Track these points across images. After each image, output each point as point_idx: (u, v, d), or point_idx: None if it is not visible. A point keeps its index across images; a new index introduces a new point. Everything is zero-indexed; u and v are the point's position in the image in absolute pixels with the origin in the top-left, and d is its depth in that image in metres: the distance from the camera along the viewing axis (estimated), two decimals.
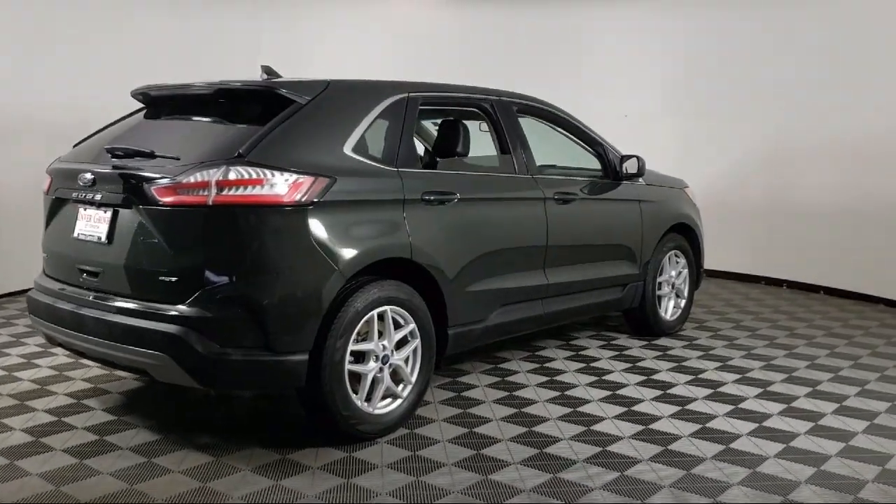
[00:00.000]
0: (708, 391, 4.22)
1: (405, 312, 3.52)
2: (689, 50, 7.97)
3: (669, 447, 3.44)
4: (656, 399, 4.07)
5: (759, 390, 4.25)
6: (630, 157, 4.87)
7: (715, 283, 7.66)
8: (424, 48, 8.32)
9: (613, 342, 5.24)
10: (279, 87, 3.42)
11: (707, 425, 3.71)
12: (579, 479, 3.10)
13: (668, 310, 5.45)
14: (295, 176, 3.13)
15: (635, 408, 3.93)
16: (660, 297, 5.37)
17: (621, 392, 4.17)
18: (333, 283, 3.20)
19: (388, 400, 3.52)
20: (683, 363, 4.75)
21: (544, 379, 4.37)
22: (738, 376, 4.50)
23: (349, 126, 3.45)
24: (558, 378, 4.39)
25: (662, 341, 5.28)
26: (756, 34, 7.55)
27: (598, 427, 3.67)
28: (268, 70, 3.89)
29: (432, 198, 3.67)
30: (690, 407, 3.96)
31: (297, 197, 3.11)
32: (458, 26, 8.57)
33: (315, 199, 3.16)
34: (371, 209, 3.41)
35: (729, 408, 3.96)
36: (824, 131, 7.10)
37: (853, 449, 3.44)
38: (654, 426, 3.68)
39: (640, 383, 4.33)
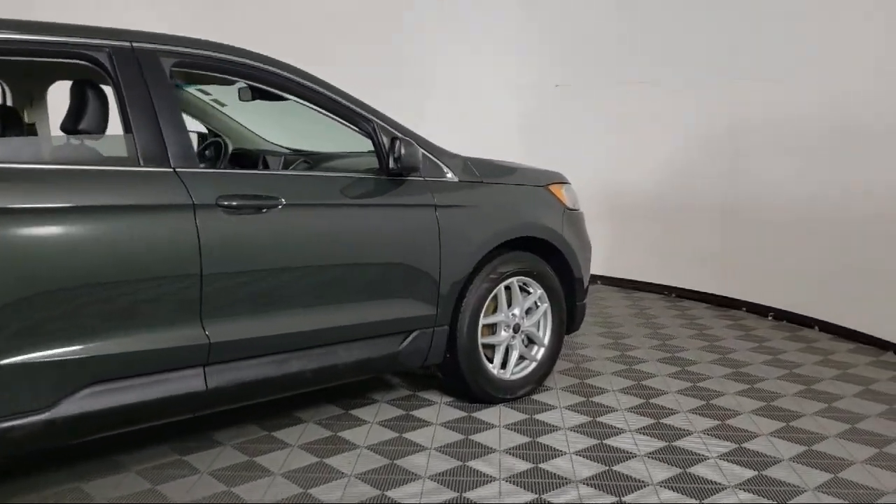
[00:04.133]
0: None
1: None
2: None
3: None
4: None
5: None
6: (395, 140, 3.15)
7: (686, 311, 5.75)
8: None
9: (415, 411, 3.55)
10: None
11: None
12: None
13: (510, 364, 3.69)
14: None
15: None
16: (493, 347, 3.64)
17: None
18: None
19: None
20: (472, 461, 3.02)
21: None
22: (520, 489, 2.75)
23: None
24: (245, 480, 2.79)
25: (487, 413, 3.54)
26: None
27: None
28: None
29: None
30: None
31: None
32: None
33: None
34: None
35: None
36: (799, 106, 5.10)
37: None
38: None
39: None
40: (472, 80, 6.84)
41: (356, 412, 3.53)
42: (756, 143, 5.49)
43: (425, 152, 3.33)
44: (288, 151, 4.25)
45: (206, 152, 4.06)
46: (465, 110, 6.79)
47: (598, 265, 6.48)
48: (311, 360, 3.00)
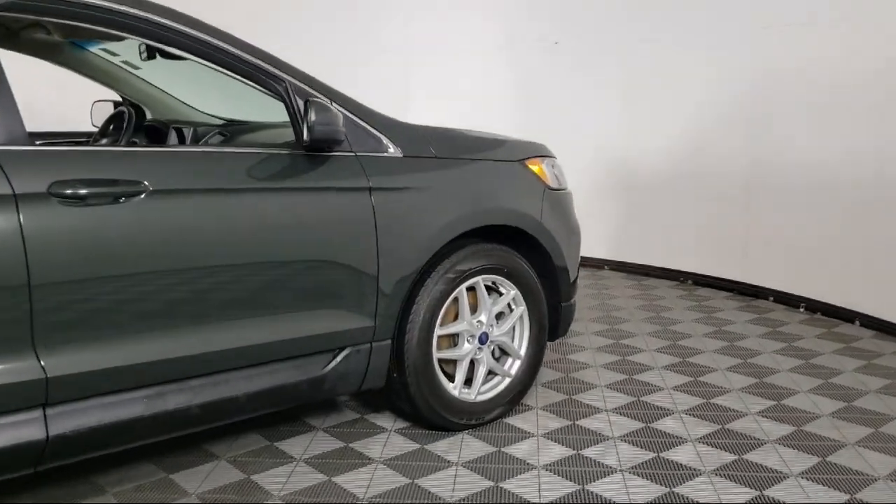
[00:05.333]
0: None
1: None
2: None
3: None
4: None
5: None
6: (307, 103, 2.43)
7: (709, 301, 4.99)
8: None
9: (356, 443, 2.87)
10: None
11: None
12: None
13: (476, 382, 2.99)
14: None
15: None
16: (455, 363, 2.94)
17: None
18: None
19: None
20: None
21: None
22: None
23: None
24: None
25: (445, 444, 2.85)
26: None
27: None
28: None
29: None
30: None
31: None
32: None
33: None
34: None
35: None
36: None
37: None
38: None
39: None
40: (456, 42, 6.08)
41: (282, 445, 2.86)
42: (785, 105, 4.70)
43: (355, 119, 2.62)
44: (222, 122, 3.56)
45: (112, 125, 3.38)
46: (449, 77, 6.06)
47: (605, 248, 5.76)
48: (197, 394, 2.32)
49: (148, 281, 2.19)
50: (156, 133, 3.33)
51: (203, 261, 2.28)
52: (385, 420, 3.07)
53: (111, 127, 3.39)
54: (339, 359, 2.60)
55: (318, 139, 2.41)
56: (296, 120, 2.48)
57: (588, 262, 5.83)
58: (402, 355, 2.76)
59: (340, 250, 2.55)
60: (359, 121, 2.63)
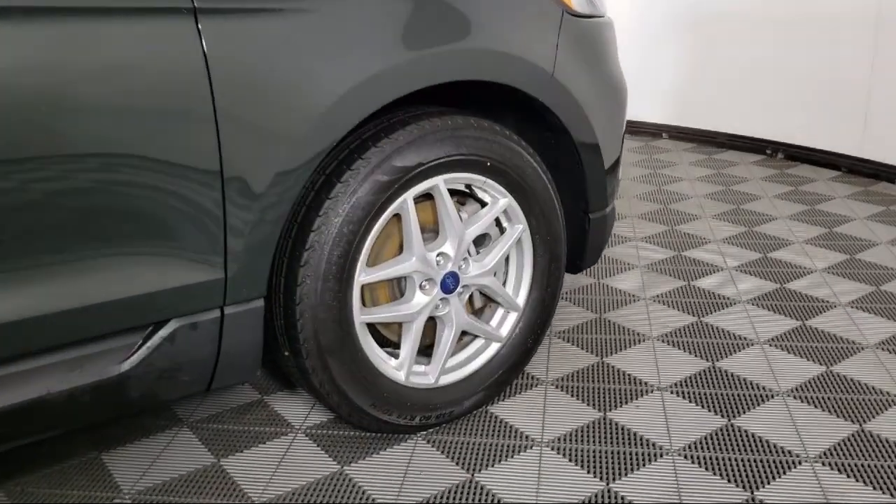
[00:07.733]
0: None
1: None
2: None
3: None
4: None
5: None
6: None
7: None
8: None
9: (233, 457, 1.71)
10: None
11: None
12: None
13: (440, 355, 1.76)
14: None
15: None
16: (400, 327, 1.72)
17: None
18: None
19: None
20: None
21: None
22: None
23: None
24: None
25: (384, 461, 1.67)
26: None
27: None
28: None
29: None
30: None
31: None
32: None
33: None
34: None
35: None
36: None
37: None
38: None
39: None
40: None
41: (114, 459, 1.71)
42: None
43: None
44: None
45: None
46: None
47: (663, 109, 4.37)
48: None
49: None
50: None
51: None
52: (296, 407, 1.90)
53: None
54: (153, 342, 1.38)
55: None
56: None
57: (639, 129, 4.43)
58: (293, 322, 1.54)
59: (136, 138, 1.27)
60: None
